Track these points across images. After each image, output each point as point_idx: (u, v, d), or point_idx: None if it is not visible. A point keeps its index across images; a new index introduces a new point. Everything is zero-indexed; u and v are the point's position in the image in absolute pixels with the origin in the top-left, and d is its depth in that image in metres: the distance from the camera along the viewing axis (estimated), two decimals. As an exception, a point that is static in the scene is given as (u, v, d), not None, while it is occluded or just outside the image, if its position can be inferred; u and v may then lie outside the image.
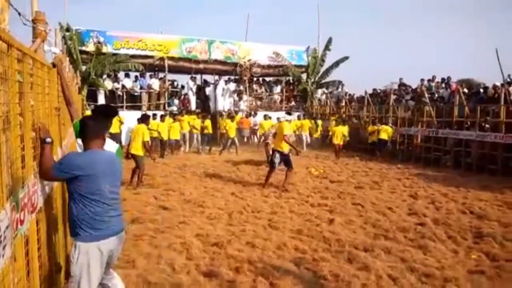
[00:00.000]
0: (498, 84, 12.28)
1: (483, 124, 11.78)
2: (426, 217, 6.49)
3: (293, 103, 21.93)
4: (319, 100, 22.14)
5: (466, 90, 14.40)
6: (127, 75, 18.49)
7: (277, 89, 22.08)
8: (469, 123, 12.25)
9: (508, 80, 12.33)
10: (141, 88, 18.20)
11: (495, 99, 12.07)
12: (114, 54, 17.55)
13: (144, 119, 9.17)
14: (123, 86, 17.88)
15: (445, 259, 4.70)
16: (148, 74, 18.86)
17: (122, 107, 17.17)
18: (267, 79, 22.88)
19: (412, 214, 6.78)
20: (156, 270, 4.22)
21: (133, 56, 17.94)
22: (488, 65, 13.49)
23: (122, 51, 17.87)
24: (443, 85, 15.61)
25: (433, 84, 16.20)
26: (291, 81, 22.44)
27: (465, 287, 3.93)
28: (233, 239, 5.31)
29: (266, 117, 16.49)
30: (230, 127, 15.04)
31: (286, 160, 8.76)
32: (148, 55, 18.36)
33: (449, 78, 15.49)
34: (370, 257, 4.69)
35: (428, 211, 6.91)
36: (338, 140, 14.07)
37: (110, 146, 3.46)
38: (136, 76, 18.57)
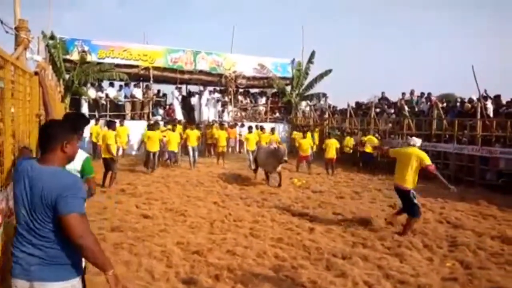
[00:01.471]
0: (474, 98, 12.70)
1: (460, 137, 12.13)
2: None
3: (277, 114, 22.16)
4: (303, 112, 22.42)
5: (445, 105, 14.84)
6: (111, 84, 18.45)
7: (262, 100, 22.30)
8: (447, 136, 12.60)
9: (484, 95, 12.75)
10: (125, 97, 18.15)
11: (472, 114, 12.46)
12: (99, 63, 17.53)
13: (110, 125, 10.17)
14: (107, 95, 17.81)
15: (420, 266, 4.83)
16: (132, 83, 18.84)
17: (105, 116, 17.07)
18: (252, 90, 23.10)
19: (390, 223, 6.92)
20: (135, 278, 4.22)
21: (117, 66, 17.91)
22: (469, 81, 13.59)
23: (107, 60, 17.84)
24: (423, 99, 16.03)
25: (414, 97, 16.63)
26: (277, 93, 22.68)
27: (438, 293, 4.05)
28: (214, 247, 5.35)
29: (250, 129, 15.31)
30: (247, 139, 14.27)
31: (407, 202, 6.29)
32: (133, 65, 18.35)
33: (429, 93, 15.94)
34: (348, 264, 4.79)
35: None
36: (331, 154, 13.01)
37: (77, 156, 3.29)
38: (120, 86, 18.54)
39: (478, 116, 11.68)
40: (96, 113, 17.12)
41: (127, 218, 6.75)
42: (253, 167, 12.13)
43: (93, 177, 3.53)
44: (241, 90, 21.63)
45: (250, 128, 15.36)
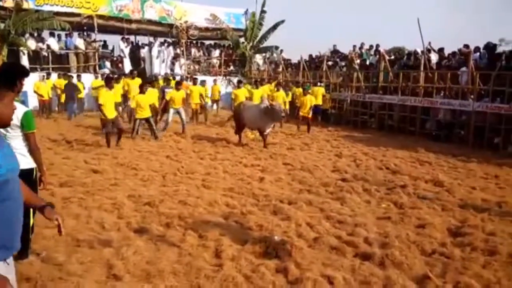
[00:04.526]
0: (418, 51, 13.20)
1: (404, 88, 12.72)
2: (347, 173, 7.12)
3: (232, 67, 21.89)
4: (258, 65, 22.28)
5: (393, 57, 15.34)
6: (52, 34, 17.21)
7: (216, 53, 21.85)
8: (392, 88, 13.16)
9: (428, 47, 13.27)
10: (67, 48, 17.08)
11: (417, 66, 13.02)
12: (37, 11, 16.17)
13: (107, 82, 9.17)
14: (48, 46, 16.66)
15: (358, 208, 5.26)
16: (76, 33, 17.69)
17: (48, 68, 16.08)
18: (206, 42, 22.49)
19: (335, 171, 7.38)
20: (85, 229, 4.27)
21: (58, 14, 16.63)
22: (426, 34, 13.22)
23: (46, 8, 16.51)
24: (372, 52, 16.43)
25: (363, 51, 16.98)
26: (231, 45, 22.23)
27: (372, 230, 4.46)
28: (166, 199, 5.45)
29: (240, 83, 13.98)
30: (236, 95, 12.68)
31: None
32: (75, 13, 17.14)
33: (377, 45, 16.32)
34: (293, 209, 5.10)
35: (350, 168, 7.57)
36: (306, 111, 12.16)
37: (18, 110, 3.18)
38: (59, 35, 17.36)
39: (422, 68, 12.25)
40: (38, 66, 16.08)
41: (76, 173, 6.64)
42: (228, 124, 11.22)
43: (32, 133, 3.41)
44: (194, 42, 21.01)
45: (239, 82, 14.02)
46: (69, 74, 15.41)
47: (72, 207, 4.96)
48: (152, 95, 10.80)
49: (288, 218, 4.73)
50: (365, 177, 6.79)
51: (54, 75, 15.58)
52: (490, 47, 11.82)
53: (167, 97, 11.58)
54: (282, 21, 20.93)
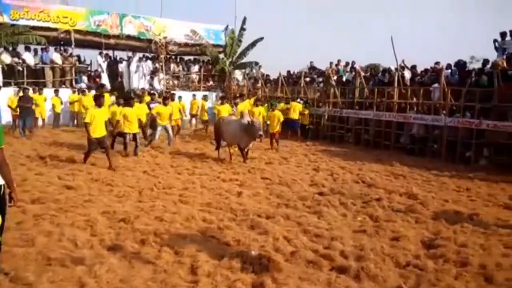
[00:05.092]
0: (392, 68, 13.61)
1: (379, 104, 13.04)
2: (324, 187, 7.20)
3: (211, 83, 21.96)
4: (237, 80, 22.41)
5: (368, 74, 15.74)
6: (27, 49, 16.91)
7: (195, 68, 21.90)
8: (368, 103, 13.47)
9: (402, 65, 13.70)
10: (43, 63, 16.80)
11: (392, 82, 13.40)
12: (12, 25, 15.92)
13: (96, 100, 8.72)
14: (24, 61, 16.34)
15: (335, 221, 5.31)
16: (52, 48, 17.45)
17: (23, 83, 15.73)
18: (185, 57, 22.55)
19: (313, 185, 7.45)
20: (57, 247, 4.14)
21: (34, 28, 16.42)
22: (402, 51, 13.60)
23: (21, 22, 16.28)
24: (348, 68, 16.83)
25: (340, 67, 17.37)
26: (210, 61, 22.33)
27: (348, 243, 4.51)
28: (142, 215, 5.36)
29: (223, 100, 13.70)
30: (219, 111, 12.52)
31: None
32: (52, 28, 16.95)
33: (353, 62, 16.74)
34: (271, 223, 5.11)
35: (327, 182, 7.66)
36: (274, 128, 11.91)
37: None
38: (35, 50, 17.08)
39: (396, 84, 12.62)
40: (13, 80, 15.74)
41: (49, 189, 6.45)
42: (214, 143, 10.79)
43: (1, 149, 3.30)
44: (173, 57, 21.04)
45: (222, 98, 14.02)
46: (25, 87, 14.57)
47: (44, 224, 4.81)
48: (140, 110, 10.66)
49: (265, 233, 4.73)
50: (342, 191, 6.88)
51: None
52: (460, 65, 12.29)
53: (154, 112, 11.40)
54: (261, 38, 21.22)
